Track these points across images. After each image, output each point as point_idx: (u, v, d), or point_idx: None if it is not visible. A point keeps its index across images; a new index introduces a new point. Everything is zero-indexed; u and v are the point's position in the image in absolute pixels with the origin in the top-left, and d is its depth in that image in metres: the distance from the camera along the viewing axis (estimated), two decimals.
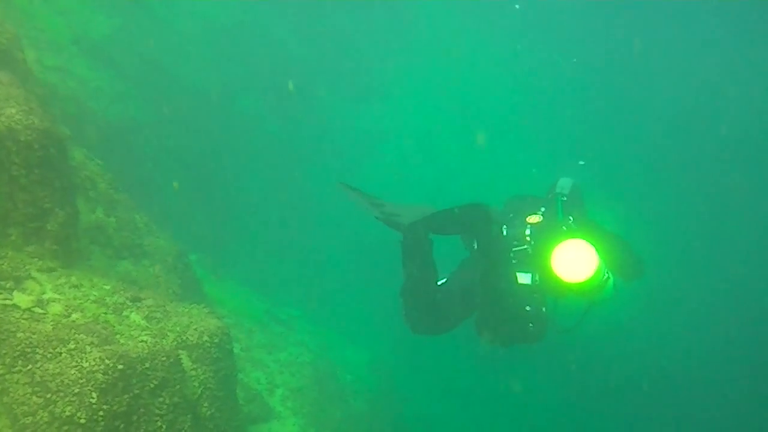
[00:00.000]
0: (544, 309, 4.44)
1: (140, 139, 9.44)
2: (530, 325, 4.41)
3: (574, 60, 17.07)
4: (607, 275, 4.31)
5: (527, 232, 4.51)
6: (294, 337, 7.88)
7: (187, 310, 4.80)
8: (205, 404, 4.25)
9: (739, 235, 17.30)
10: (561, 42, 18.12)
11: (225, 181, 11.28)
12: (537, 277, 4.36)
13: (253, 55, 13.50)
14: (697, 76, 17.48)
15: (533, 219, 4.58)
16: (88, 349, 3.58)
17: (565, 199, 4.79)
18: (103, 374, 3.47)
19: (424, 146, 18.26)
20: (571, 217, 4.67)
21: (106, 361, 3.52)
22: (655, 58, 17.64)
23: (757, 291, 16.18)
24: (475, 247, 4.81)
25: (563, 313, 4.63)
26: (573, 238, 4.19)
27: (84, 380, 3.41)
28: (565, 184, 4.90)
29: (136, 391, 3.67)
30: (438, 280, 4.78)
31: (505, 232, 4.59)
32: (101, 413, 3.40)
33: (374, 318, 11.34)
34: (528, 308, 4.36)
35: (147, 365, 3.81)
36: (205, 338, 4.42)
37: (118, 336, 3.96)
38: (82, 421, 3.34)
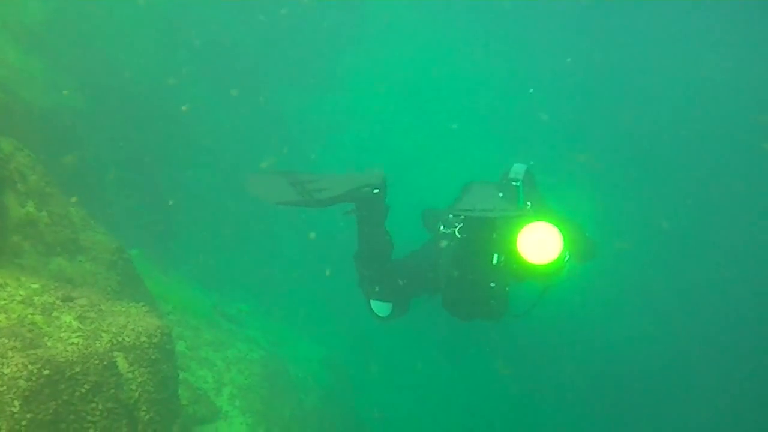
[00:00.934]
0: (507, 288, 4.51)
1: (79, 129, 8.98)
2: (492, 301, 4.50)
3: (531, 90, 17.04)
4: (567, 257, 4.43)
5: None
6: (243, 333, 7.63)
7: (124, 309, 4.54)
8: (143, 408, 4.01)
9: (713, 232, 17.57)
10: (521, 35, 18.17)
11: (171, 172, 10.88)
12: (502, 258, 4.42)
13: (203, 44, 13.07)
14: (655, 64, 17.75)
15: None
16: (10, 354, 3.31)
17: (521, 185, 4.89)
18: (26, 381, 3.21)
19: (381, 137, 18.09)
20: (528, 202, 4.79)
21: (30, 367, 3.26)
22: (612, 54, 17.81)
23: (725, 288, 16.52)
24: (442, 228, 4.92)
25: (518, 297, 4.69)
26: (537, 221, 4.23)
27: (5, 388, 3.15)
28: (518, 169, 5.00)
29: (65, 398, 3.42)
30: (392, 250, 4.82)
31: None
32: (24, 423, 3.15)
33: (328, 311, 11.16)
34: (492, 285, 4.44)
35: (77, 369, 3.56)
36: (143, 339, 4.17)
37: (45, 339, 3.69)
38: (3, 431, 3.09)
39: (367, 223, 4.69)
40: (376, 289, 4.87)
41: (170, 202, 10.11)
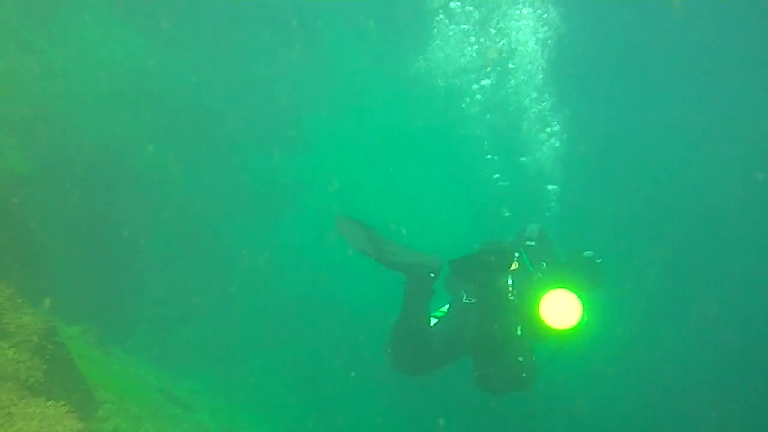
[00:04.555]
0: (534, 358, 4.75)
1: (23, 194, 8.43)
2: (523, 375, 4.68)
3: None
4: (586, 318, 4.64)
5: (509, 281, 4.80)
6: (192, 420, 6.93)
7: (39, 410, 3.96)
8: None
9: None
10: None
11: (123, 238, 10.28)
12: (522, 327, 4.69)
13: (161, 104, 12.71)
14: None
15: (512, 265, 4.86)
16: None
17: (536, 244, 5.14)
18: None
19: (347, 197, 17.73)
20: (544, 263, 5.01)
21: None
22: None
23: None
24: (465, 298, 5.02)
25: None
26: (557, 287, 4.57)
27: None
28: (533, 229, 5.26)
29: None
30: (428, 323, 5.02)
31: None
32: None
33: (291, 387, 10.46)
34: (521, 359, 4.66)
35: None
36: None
37: None
38: None
39: (413, 300, 4.86)
40: (407, 367, 5.06)
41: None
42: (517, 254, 5.03)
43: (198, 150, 13.50)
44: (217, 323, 11.03)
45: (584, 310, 4.60)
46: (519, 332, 4.69)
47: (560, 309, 4.54)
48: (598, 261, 5.03)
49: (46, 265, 8.35)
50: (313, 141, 16.77)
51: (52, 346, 5.51)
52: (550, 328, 4.58)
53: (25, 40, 10.26)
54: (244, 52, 15.69)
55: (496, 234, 5.64)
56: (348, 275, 15.10)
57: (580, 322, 4.59)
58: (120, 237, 10.29)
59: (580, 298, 4.57)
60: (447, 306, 5.34)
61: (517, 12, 10.29)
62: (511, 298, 4.78)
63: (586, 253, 5.09)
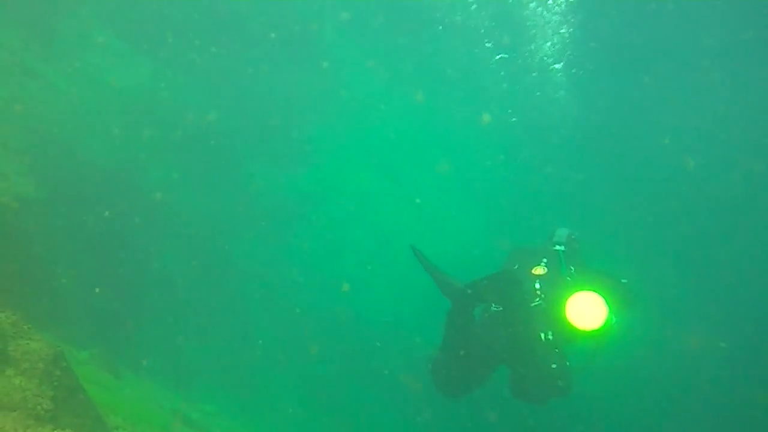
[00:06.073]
0: (567, 363, 4.77)
1: (26, 219, 8.31)
2: (559, 382, 4.73)
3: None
4: (614, 321, 4.66)
5: (537, 285, 4.86)
6: None
7: None
8: None
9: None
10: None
11: (132, 259, 10.13)
12: (553, 332, 4.73)
13: (166, 123, 12.62)
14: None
15: (538, 271, 4.96)
16: None
17: (564, 249, 5.13)
18: None
19: (358, 209, 17.53)
20: (572, 267, 5.03)
21: None
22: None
23: None
24: (493, 306, 4.98)
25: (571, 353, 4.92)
26: (582, 290, 4.60)
27: None
28: (562, 233, 5.27)
29: None
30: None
31: None
32: None
33: (310, 405, 10.21)
34: (554, 366, 4.71)
35: None
36: None
37: None
38: None
39: (457, 329, 4.87)
40: (452, 390, 5.14)
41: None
42: (545, 260, 5.08)
43: (206, 169, 13.39)
44: (232, 343, 10.82)
45: (610, 311, 4.60)
46: (551, 337, 4.74)
47: (586, 310, 4.56)
48: (633, 294, 5.01)
49: (54, 290, 8.20)
50: (320, 153, 16.61)
51: (60, 372, 5.32)
52: (578, 330, 4.60)
53: (28, 65, 10.21)
54: (249, 69, 15.60)
55: (525, 239, 5.74)
56: (365, 290, 14.86)
57: (606, 323, 4.59)
58: (129, 259, 10.14)
59: (606, 300, 4.57)
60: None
61: None
62: (539, 302, 4.82)
63: (624, 280, 5.09)
